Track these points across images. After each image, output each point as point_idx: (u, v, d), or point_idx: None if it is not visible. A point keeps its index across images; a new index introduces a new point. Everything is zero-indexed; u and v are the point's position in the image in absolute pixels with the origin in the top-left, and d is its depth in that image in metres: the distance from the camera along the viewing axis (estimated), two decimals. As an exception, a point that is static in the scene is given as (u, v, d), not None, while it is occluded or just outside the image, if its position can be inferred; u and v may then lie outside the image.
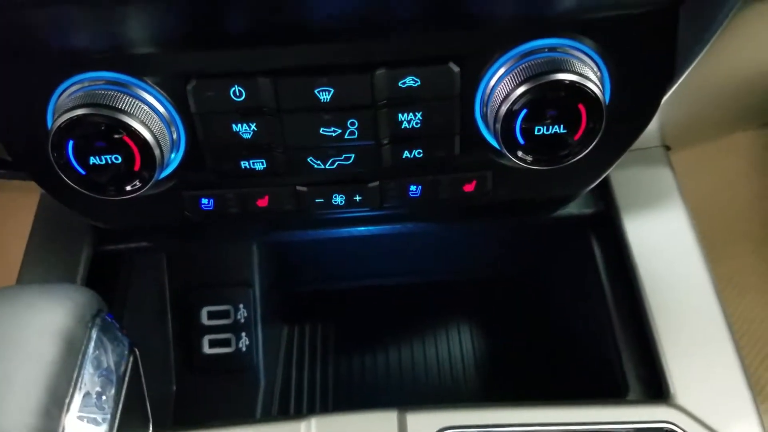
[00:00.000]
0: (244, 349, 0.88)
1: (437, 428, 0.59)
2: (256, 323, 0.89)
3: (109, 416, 0.38)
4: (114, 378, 0.39)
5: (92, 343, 0.39)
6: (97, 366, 0.39)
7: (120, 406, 0.39)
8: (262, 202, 0.64)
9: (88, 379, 0.38)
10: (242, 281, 0.89)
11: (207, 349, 0.88)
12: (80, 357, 0.38)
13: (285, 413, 0.90)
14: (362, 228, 0.79)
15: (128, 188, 0.55)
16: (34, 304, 0.39)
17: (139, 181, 0.55)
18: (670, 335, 0.67)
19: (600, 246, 0.77)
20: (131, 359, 0.41)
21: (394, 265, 0.97)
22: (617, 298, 0.74)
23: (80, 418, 0.37)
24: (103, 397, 0.38)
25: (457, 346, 0.96)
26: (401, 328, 0.99)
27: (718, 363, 0.66)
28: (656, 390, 0.66)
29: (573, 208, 0.78)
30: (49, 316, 0.38)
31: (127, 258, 0.83)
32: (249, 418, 0.84)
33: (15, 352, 0.37)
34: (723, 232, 1.36)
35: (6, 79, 0.56)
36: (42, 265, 0.75)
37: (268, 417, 0.84)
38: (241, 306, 0.89)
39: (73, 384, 0.37)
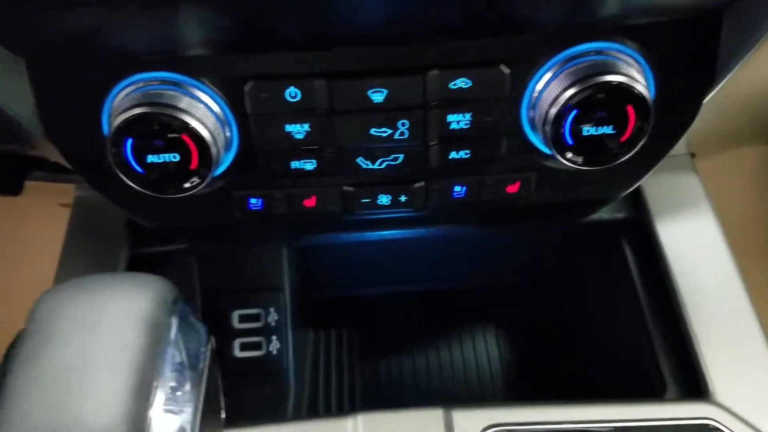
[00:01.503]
0: (274, 352, 0.88)
1: (483, 426, 0.60)
2: (286, 327, 0.90)
3: (191, 402, 0.38)
4: (195, 364, 0.40)
5: (173, 329, 0.39)
6: (179, 351, 0.39)
7: (202, 392, 0.39)
8: (309, 202, 0.65)
9: (172, 365, 0.38)
10: (273, 285, 0.90)
11: (238, 353, 0.89)
12: (164, 342, 0.38)
13: (315, 415, 0.90)
14: (393, 231, 0.80)
15: (186, 185, 0.56)
16: (118, 291, 0.39)
17: (197, 178, 0.56)
18: (706, 335, 0.68)
19: (633, 250, 0.79)
20: (209, 345, 0.42)
21: (422, 271, 0.98)
22: (651, 300, 0.75)
23: (165, 403, 0.37)
24: (187, 385, 0.39)
25: (486, 349, 0.97)
26: (428, 332, 1.00)
27: (754, 362, 0.67)
28: (694, 389, 0.67)
29: (605, 213, 0.79)
30: (134, 303, 0.39)
31: (159, 262, 0.83)
32: (294, 418, 0.84)
33: (104, 337, 0.37)
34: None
35: (62, 80, 0.57)
36: (80, 268, 0.76)
37: (314, 415, 0.84)
38: (271, 309, 0.89)
39: (158, 369, 0.37)
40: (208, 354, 0.42)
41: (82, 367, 0.36)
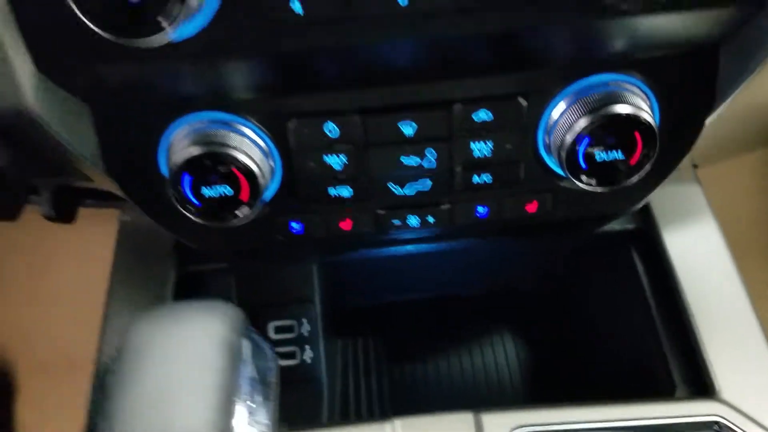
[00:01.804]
0: (308, 360, 0.94)
1: (511, 427, 0.66)
2: (318, 336, 0.96)
3: (266, 413, 0.44)
4: (265, 378, 0.46)
5: (247, 349, 0.45)
6: (252, 368, 0.45)
7: (275, 403, 0.45)
8: (345, 225, 0.71)
9: (247, 381, 0.44)
10: (304, 298, 0.96)
11: (274, 362, 0.95)
12: (240, 361, 0.44)
13: (347, 420, 0.96)
14: (416, 246, 0.86)
15: (238, 214, 0.62)
16: (198, 318, 0.45)
17: (248, 207, 0.62)
18: (712, 336, 0.74)
19: (640, 257, 0.85)
20: (275, 361, 0.48)
21: (441, 280, 1.04)
22: (659, 305, 0.81)
23: (245, 416, 0.43)
24: (260, 398, 0.44)
25: (504, 352, 1.02)
26: (448, 337, 1.05)
27: (758, 361, 0.72)
28: (702, 388, 0.73)
29: (615, 224, 0.85)
30: (213, 328, 0.45)
31: (202, 280, 0.89)
32: (328, 423, 0.90)
33: (190, 359, 0.43)
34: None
35: (122, 122, 0.63)
36: (131, 287, 0.82)
37: (347, 421, 0.89)
38: (304, 321, 0.95)
39: (237, 386, 0.43)
40: (276, 368, 0.48)
41: (173, 386, 0.42)
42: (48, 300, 1.66)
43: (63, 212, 0.76)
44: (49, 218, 0.75)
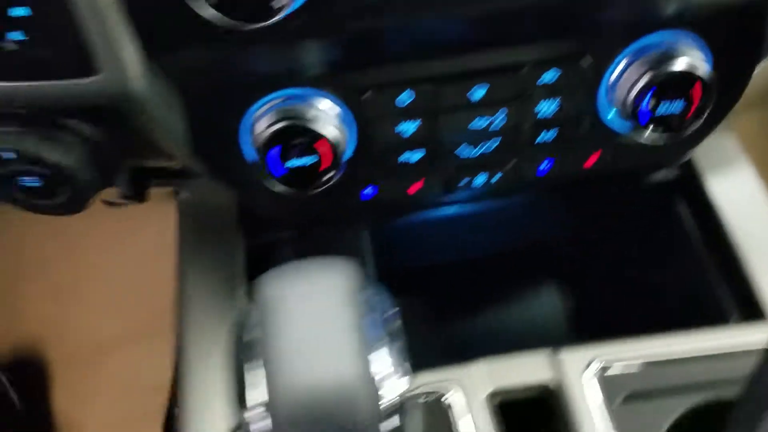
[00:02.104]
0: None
1: (589, 360, 0.71)
2: None
3: (397, 362, 0.48)
4: (391, 324, 0.50)
5: (371, 297, 0.49)
6: (379, 315, 0.49)
7: (403, 352, 0.49)
8: (415, 188, 0.75)
9: (377, 331, 0.48)
10: (359, 258, 1.00)
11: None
12: (369, 309, 0.48)
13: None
14: (463, 206, 0.90)
15: (323, 180, 0.66)
16: (324, 272, 0.49)
17: (330, 174, 0.66)
18: (761, 264, 0.78)
19: (685, 202, 0.89)
20: (397, 312, 0.52)
21: (485, 240, 1.08)
22: (706, 243, 0.85)
23: (380, 360, 0.48)
24: (389, 342, 0.49)
25: (550, 302, 1.07)
26: (495, 293, 1.10)
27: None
28: (755, 313, 0.77)
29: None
30: (340, 280, 0.48)
31: (265, 250, 0.93)
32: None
33: (321, 312, 0.47)
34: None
35: (208, 106, 0.66)
36: (202, 260, 0.85)
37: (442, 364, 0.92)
38: None
39: (370, 333, 0.47)
40: (397, 313, 0.52)
41: (313, 339, 0.46)
42: (74, 288, 1.69)
43: (138, 192, 0.79)
44: (126, 198, 0.78)
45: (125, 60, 0.56)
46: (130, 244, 1.69)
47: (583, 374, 0.70)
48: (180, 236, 0.90)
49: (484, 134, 0.70)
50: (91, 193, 0.63)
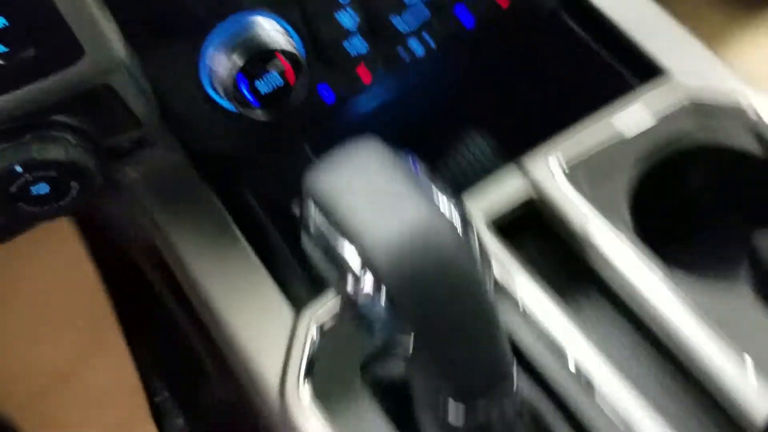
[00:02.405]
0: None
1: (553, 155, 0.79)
2: None
3: (455, 202, 0.56)
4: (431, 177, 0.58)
5: (408, 161, 0.57)
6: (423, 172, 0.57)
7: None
8: (364, 73, 0.81)
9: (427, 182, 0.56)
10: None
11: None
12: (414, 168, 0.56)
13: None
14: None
15: (298, 89, 0.71)
16: (360, 152, 0.54)
17: (302, 82, 0.71)
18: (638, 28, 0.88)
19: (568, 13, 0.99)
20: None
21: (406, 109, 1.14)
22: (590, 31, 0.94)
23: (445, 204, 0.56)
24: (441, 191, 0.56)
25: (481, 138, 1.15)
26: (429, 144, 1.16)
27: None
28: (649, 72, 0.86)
29: None
30: (379, 151, 0.54)
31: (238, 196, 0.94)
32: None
33: (376, 180, 0.52)
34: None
35: (163, 46, 0.69)
36: (188, 227, 0.85)
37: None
38: None
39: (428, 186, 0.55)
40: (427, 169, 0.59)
41: (385, 194, 0.51)
42: (18, 321, 1.62)
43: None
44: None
45: (104, 32, 0.58)
46: (39, 269, 1.64)
47: (554, 172, 0.79)
48: (152, 209, 0.89)
49: (415, 11, 0.78)
50: (99, 179, 0.65)
